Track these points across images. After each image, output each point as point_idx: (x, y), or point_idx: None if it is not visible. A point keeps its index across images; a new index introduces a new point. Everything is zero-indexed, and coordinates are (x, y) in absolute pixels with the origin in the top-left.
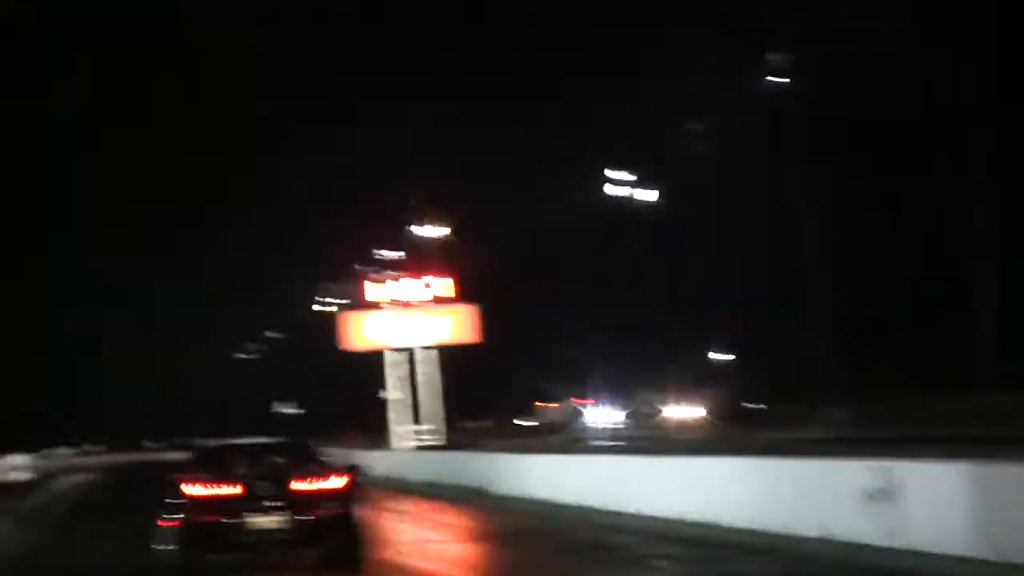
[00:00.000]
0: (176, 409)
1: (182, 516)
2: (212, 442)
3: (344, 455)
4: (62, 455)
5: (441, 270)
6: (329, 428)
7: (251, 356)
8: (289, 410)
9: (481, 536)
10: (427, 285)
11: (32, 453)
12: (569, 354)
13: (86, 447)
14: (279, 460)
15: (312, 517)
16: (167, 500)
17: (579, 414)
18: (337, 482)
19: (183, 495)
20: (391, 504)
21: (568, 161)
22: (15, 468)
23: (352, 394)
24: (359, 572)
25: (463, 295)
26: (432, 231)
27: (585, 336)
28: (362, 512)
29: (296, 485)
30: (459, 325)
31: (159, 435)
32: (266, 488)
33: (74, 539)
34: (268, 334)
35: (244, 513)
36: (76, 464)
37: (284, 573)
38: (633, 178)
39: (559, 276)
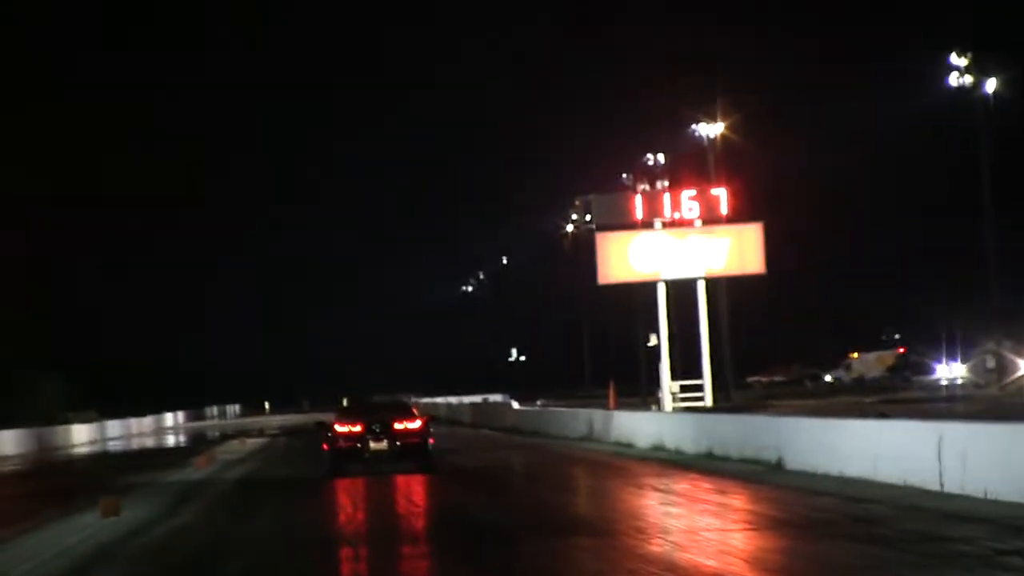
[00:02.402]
0: (386, 364)
1: (331, 443)
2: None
3: (604, 419)
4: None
5: (726, 182)
6: (575, 381)
7: (473, 290)
8: (520, 357)
9: (776, 524)
10: (707, 200)
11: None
12: (902, 293)
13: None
14: (387, 411)
15: (402, 443)
16: (327, 435)
17: (908, 366)
18: (417, 424)
19: (334, 431)
20: (659, 482)
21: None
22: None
23: (605, 339)
24: (431, 473)
25: (751, 212)
26: (713, 130)
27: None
28: (434, 440)
29: (395, 426)
30: (744, 250)
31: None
32: (377, 428)
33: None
34: (502, 261)
35: (364, 441)
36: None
37: (388, 474)
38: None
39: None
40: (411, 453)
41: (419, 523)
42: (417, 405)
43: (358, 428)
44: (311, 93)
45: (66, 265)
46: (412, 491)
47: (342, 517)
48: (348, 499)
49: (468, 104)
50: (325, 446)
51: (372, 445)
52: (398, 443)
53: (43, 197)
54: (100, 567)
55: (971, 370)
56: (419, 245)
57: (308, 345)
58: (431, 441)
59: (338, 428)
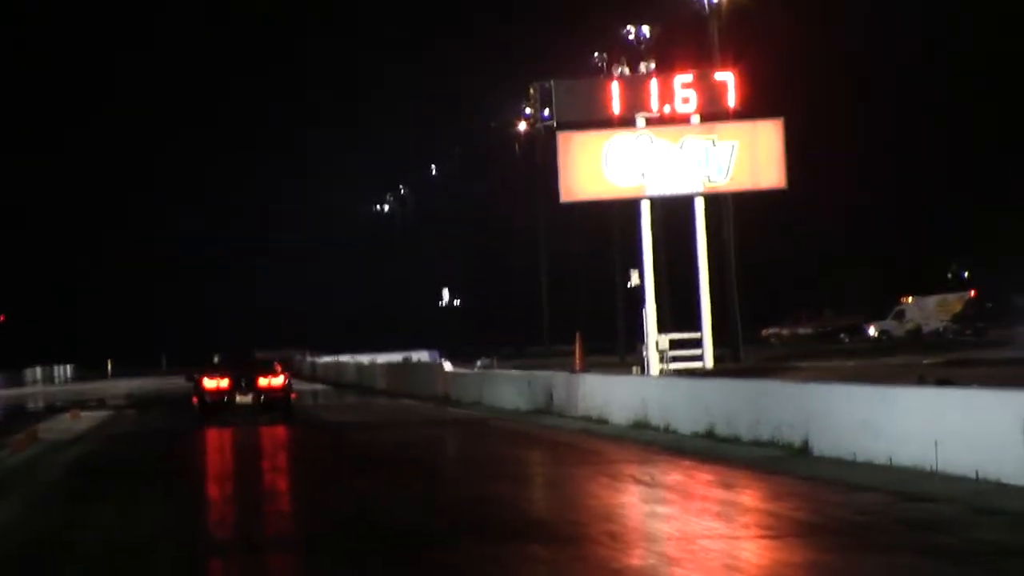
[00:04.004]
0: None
1: (201, 396)
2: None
3: (568, 385)
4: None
5: (734, 64)
6: (529, 334)
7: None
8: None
9: (801, 530)
10: (708, 88)
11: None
12: (973, 215)
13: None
14: (252, 366)
15: (266, 397)
16: (195, 388)
17: (981, 315)
18: (280, 380)
19: (202, 386)
20: (642, 471)
21: None
22: None
23: (571, 278)
24: (290, 422)
25: (767, 106)
26: None
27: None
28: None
29: (260, 381)
30: (758, 157)
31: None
32: (243, 383)
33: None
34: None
35: (231, 395)
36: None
37: (256, 424)
38: None
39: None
40: (274, 406)
41: (316, 524)
42: (287, 362)
43: (225, 383)
44: None
45: None
46: (307, 482)
47: (211, 515)
48: (217, 490)
49: None
50: (195, 399)
51: (238, 398)
52: (262, 397)
53: None
54: None
55: None
56: (315, 157)
57: (166, 292)
58: (293, 396)
59: (206, 383)
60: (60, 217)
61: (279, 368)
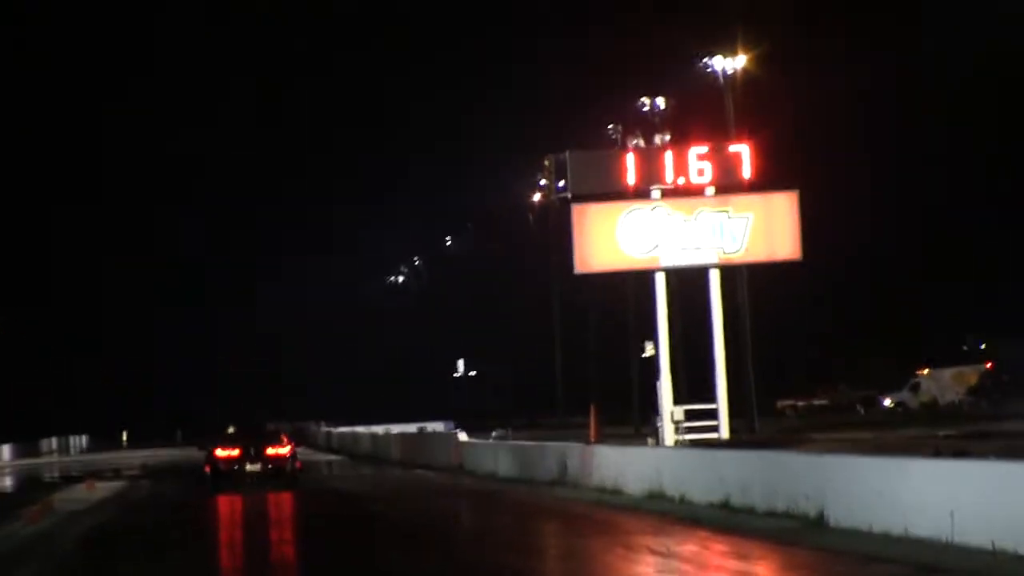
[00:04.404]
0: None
1: (213, 465)
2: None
3: (582, 456)
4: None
5: (749, 136)
6: (544, 405)
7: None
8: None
9: None
10: (723, 160)
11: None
12: (990, 287)
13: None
14: (261, 437)
15: (273, 466)
16: (208, 458)
17: (997, 387)
18: (286, 449)
19: (215, 455)
20: (657, 541)
21: None
22: None
23: (585, 349)
24: (295, 489)
25: (782, 178)
26: (733, 64)
27: None
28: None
29: (267, 451)
30: (773, 229)
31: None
32: (252, 452)
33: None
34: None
35: (242, 464)
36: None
37: (262, 490)
38: None
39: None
40: (280, 474)
41: None
42: (301, 432)
43: (236, 452)
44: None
45: None
46: (319, 551)
47: None
48: (229, 562)
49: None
50: (207, 467)
51: (248, 467)
52: (270, 465)
53: None
54: None
55: None
56: (329, 229)
57: (180, 361)
58: (299, 465)
59: (219, 453)
60: (60, 217)
61: (285, 439)
